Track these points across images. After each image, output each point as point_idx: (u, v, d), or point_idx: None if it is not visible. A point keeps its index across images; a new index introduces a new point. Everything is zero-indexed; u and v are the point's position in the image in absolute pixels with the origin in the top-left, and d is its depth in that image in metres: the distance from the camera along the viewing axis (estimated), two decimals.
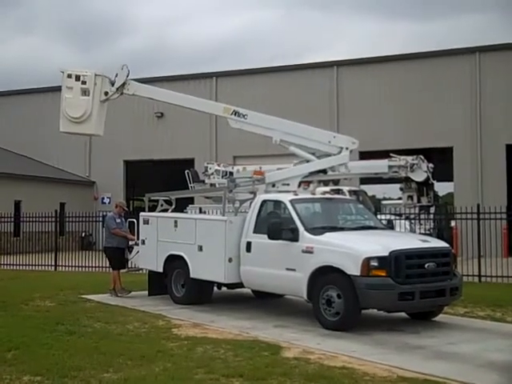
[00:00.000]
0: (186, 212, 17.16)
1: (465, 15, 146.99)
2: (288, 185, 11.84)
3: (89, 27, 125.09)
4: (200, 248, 11.78)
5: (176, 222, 12.55)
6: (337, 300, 9.52)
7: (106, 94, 12.69)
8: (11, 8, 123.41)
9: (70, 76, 12.70)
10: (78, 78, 12.59)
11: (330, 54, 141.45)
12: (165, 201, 13.98)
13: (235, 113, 12.46)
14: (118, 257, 13.67)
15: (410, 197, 27.79)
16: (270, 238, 10.48)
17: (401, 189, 28.52)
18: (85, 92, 12.55)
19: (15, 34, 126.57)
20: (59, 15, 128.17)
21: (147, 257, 13.18)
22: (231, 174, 19.11)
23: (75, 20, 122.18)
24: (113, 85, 12.74)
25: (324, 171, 12.18)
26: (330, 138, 11.81)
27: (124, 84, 12.67)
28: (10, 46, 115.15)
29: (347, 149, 11.53)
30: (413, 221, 21.56)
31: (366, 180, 27.37)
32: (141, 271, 14.43)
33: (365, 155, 23.20)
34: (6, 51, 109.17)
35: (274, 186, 12.07)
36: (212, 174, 20.16)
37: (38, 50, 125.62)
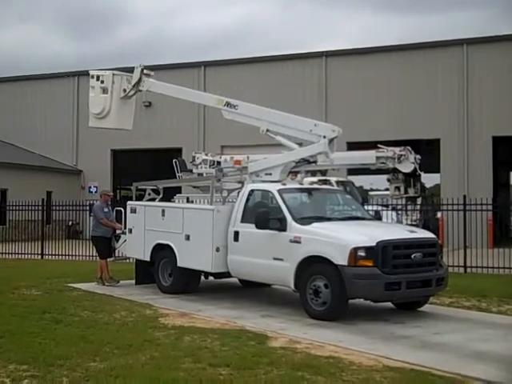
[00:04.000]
0: (174, 201, 17.12)
1: (464, 9, 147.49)
2: (270, 174, 11.82)
3: (88, 16, 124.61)
4: (187, 237, 11.76)
5: (163, 211, 12.53)
6: (324, 290, 9.54)
7: (125, 91, 13.45)
8: None
9: (92, 76, 13.67)
10: (98, 77, 13.53)
11: (327, 46, 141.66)
12: (152, 190, 13.95)
13: (227, 104, 12.48)
14: (105, 246, 13.64)
15: (397, 188, 28.00)
16: (258, 227, 10.47)
17: (388, 180, 28.74)
18: (104, 90, 13.45)
19: (14, 21, 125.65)
20: (59, 3, 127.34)
21: (134, 246, 13.16)
22: (219, 163, 19.11)
23: (75, 8, 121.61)
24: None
25: (312, 161, 12.12)
26: (311, 126, 11.67)
27: (139, 81, 13.35)
28: (9, 33, 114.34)
29: (325, 137, 11.39)
30: (399, 211, 21.68)
31: (353, 171, 27.44)
32: (128, 260, 14.41)
33: (352, 146, 23.23)
34: (4, 38, 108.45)
35: (258, 175, 12.06)
36: (200, 163, 20.16)
37: (36, 38, 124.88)
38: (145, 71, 13.39)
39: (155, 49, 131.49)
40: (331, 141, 11.38)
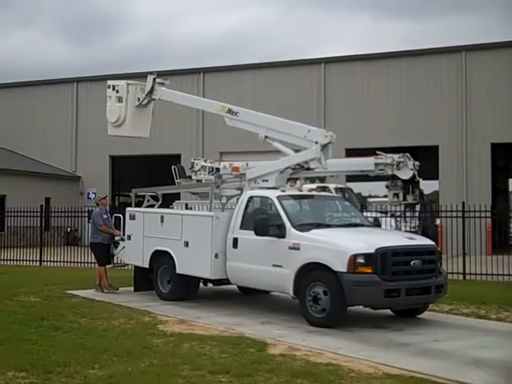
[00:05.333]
0: (173, 208, 17.10)
1: (463, 15, 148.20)
2: (267, 181, 11.84)
3: (88, 22, 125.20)
4: (186, 244, 11.75)
5: (162, 217, 12.52)
6: (323, 297, 9.53)
7: (139, 99, 13.82)
8: (12, 1, 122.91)
9: (109, 86, 14.04)
10: (113, 87, 13.93)
11: (327, 51, 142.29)
12: (151, 196, 13.95)
13: (229, 111, 12.56)
14: (104, 252, 13.61)
15: (396, 194, 28.08)
16: (257, 234, 10.46)
17: (387, 186, 28.81)
18: (119, 99, 13.82)
19: (15, 27, 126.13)
20: (59, 10, 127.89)
21: (133, 252, 13.13)
22: (218, 170, 19.09)
23: (75, 15, 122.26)
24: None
25: (307, 167, 12.10)
26: (305, 132, 11.71)
27: (152, 90, 13.69)
28: (9, 39, 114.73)
29: (317, 143, 11.41)
30: (398, 218, 21.68)
31: (352, 177, 27.44)
32: (127, 267, 14.38)
33: (351, 153, 23.26)
34: (5, 44, 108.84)
35: (255, 182, 12.07)
36: (199, 170, 20.12)
37: (36, 44, 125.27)
38: (158, 80, 13.64)
39: (155, 55, 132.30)
40: (325, 146, 11.38)
